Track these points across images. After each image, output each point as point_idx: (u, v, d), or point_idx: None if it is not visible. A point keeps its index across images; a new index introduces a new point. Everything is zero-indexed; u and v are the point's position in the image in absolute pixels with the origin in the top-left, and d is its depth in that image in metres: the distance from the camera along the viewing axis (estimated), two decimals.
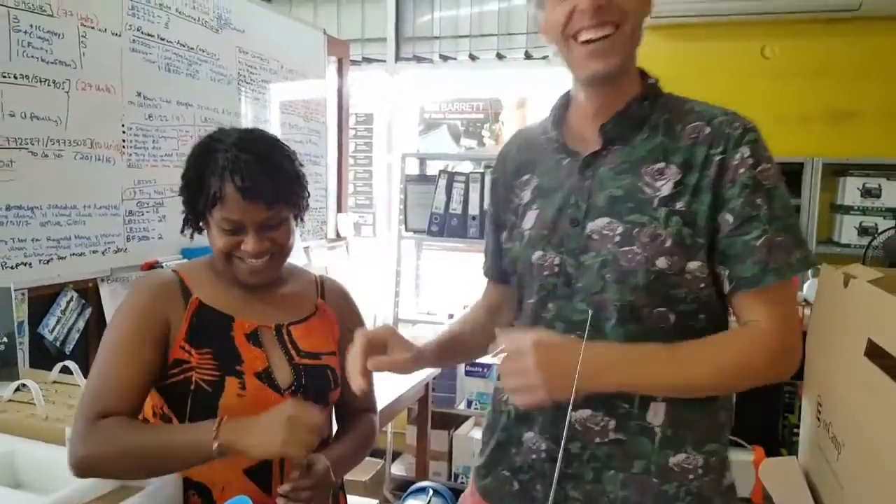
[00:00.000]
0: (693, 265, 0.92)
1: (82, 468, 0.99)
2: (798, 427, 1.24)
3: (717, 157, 0.91)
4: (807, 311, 1.64)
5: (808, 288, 1.94)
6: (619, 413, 0.95)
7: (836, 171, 2.81)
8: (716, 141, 0.92)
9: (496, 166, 1.16)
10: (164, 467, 1.01)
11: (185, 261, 2.16)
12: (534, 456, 1.01)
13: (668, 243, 0.90)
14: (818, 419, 1.10)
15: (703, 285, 0.93)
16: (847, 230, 2.70)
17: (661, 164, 0.93)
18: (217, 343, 1.10)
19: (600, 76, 0.94)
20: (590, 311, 0.93)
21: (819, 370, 1.15)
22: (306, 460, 1.05)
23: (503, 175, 1.13)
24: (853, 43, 2.78)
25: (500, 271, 1.15)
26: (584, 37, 0.92)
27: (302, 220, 1.19)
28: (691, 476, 0.95)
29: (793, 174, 2.80)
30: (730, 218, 0.91)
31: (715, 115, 0.95)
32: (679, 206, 0.91)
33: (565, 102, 1.07)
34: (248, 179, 1.04)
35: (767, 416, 1.56)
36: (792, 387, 1.63)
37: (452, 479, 3.16)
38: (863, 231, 2.64)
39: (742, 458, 1.34)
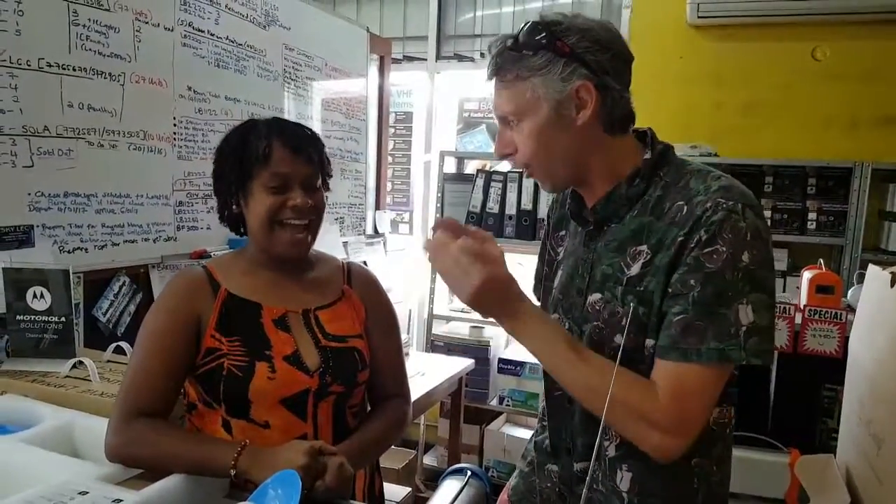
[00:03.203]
0: (650, 342, 0.93)
1: (112, 457, 1.06)
2: (836, 431, 1.23)
3: (680, 238, 0.90)
4: (850, 316, 1.61)
5: (852, 294, 1.90)
6: (602, 468, 1.02)
7: (885, 177, 2.74)
8: (685, 222, 0.91)
9: (549, 210, 1.23)
10: (186, 473, 1.04)
11: (230, 250, 2.22)
12: (548, 484, 1.13)
13: (624, 321, 0.94)
14: (859, 416, 1.09)
15: None
16: None
17: (641, 247, 0.95)
18: (246, 330, 1.15)
19: (549, 191, 1.10)
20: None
21: (862, 368, 1.14)
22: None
23: (549, 223, 1.21)
24: None
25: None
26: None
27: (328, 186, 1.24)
28: None
29: (840, 179, 2.75)
30: (670, 291, 0.91)
31: (698, 192, 0.92)
32: (639, 286, 0.94)
33: None
34: (293, 135, 1.16)
35: (806, 419, 1.54)
36: (832, 391, 1.61)
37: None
38: None
39: (778, 460, 1.33)
